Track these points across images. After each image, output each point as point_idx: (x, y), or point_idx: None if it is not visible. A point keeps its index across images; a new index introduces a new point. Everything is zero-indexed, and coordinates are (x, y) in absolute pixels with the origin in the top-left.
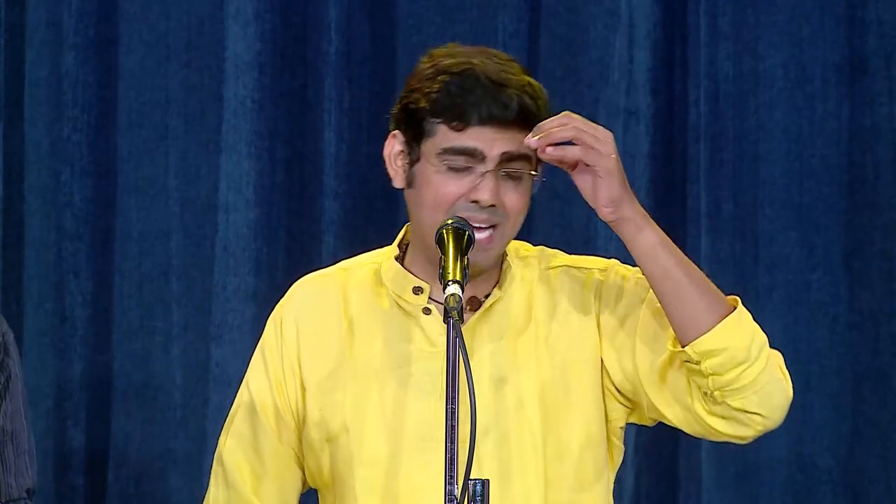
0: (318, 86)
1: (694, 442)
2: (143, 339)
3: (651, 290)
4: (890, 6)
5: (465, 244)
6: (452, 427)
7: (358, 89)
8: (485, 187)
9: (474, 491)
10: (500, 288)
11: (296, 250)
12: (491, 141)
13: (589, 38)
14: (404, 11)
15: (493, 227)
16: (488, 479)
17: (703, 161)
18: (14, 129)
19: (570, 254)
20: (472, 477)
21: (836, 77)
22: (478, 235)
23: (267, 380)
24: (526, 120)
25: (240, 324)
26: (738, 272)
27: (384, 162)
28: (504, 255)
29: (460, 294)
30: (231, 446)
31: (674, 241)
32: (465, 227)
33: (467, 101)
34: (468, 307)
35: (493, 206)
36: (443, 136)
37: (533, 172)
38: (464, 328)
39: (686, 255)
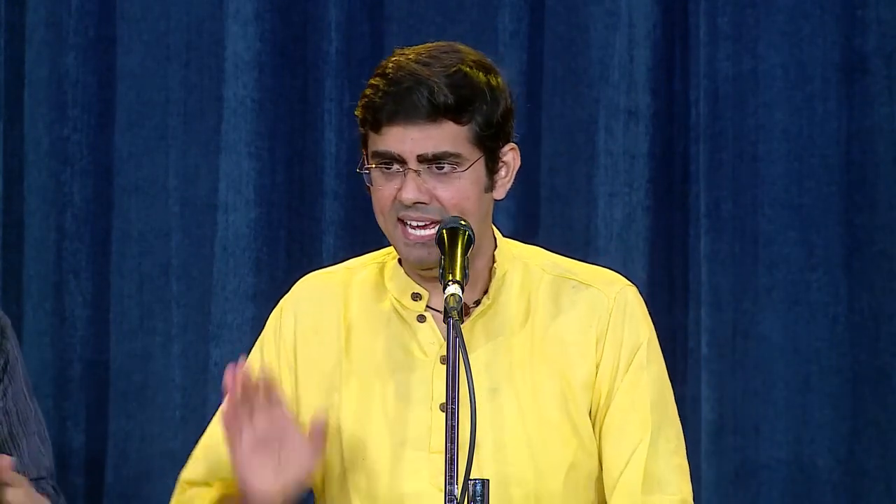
0: (318, 86)
1: (693, 441)
2: (143, 339)
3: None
4: (890, 6)
5: (465, 244)
6: (452, 427)
7: (358, 89)
8: (406, 187)
9: (474, 491)
10: (488, 296)
11: (296, 250)
12: (405, 141)
13: (589, 37)
14: (404, 11)
15: (435, 222)
16: (488, 479)
17: (703, 161)
18: (14, 129)
19: (573, 255)
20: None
21: (836, 77)
22: (417, 232)
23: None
24: (439, 114)
25: (239, 324)
26: (737, 272)
27: None
28: (493, 260)
29: (460, 294)
30: (214, 426)
31: (673, 240)
32: (464, 228)
33: (379, 104)
34: None
35: (422, 203)
36: (371, 141)
37: (457, 167)
38: None
39: (685, 254)
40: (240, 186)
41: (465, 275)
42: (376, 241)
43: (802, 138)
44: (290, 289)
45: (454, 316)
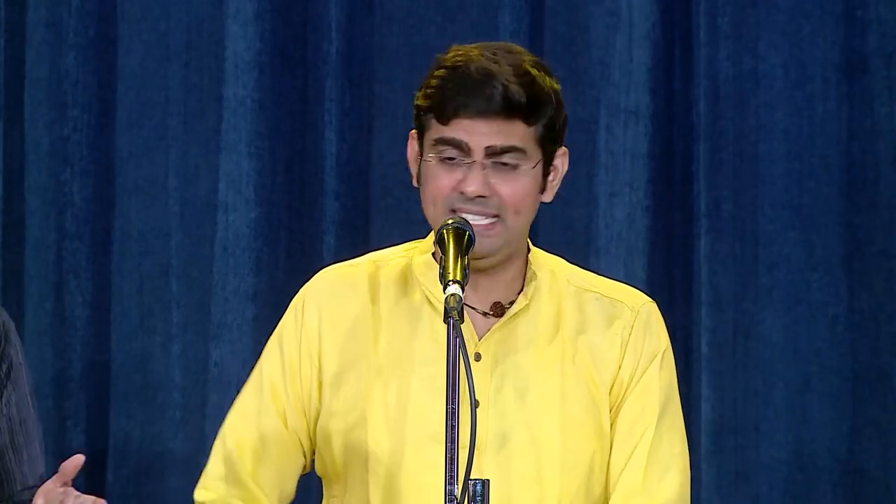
0: (318, 86)
1: (694, 442)
2: (143, 339)
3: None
4: (890, 6)
5: (465, 244)
6: (453, 427)
7: (358, 89)
8: (471, 178)
9: (474, 491)
10: (525, 296)
11: (296, 250)
12: (475, 133)
13: (589, 37)
14: (404, 11)
15: (495, 216)
16: (488, 479)
17: (703, 161)
18: (14, 129)
19: (573, 255)
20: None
21: (836, 77)
22: (477, 222)
23: (280, 364)
24: (513, 111)
25: (239, 324)
26: (738, 272)
27: (408, 164)
28: (528, 264)
29: (461, 294)
30: (235, 424)
31: (673, 240)
32: (465, 227)
33: (450, 94)
34: (491, 312)
35: (483, 197)
36: (434, 128)
37: (522, 163)
38: (489, 334)
39: (685, 254)
40: (240, 186)
41: (465, 275)
42: (376, 241)
43: (802, 138)
44: (292, 287)
45: (454, 316)
